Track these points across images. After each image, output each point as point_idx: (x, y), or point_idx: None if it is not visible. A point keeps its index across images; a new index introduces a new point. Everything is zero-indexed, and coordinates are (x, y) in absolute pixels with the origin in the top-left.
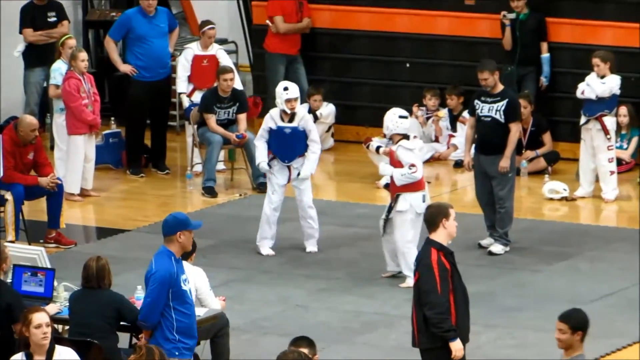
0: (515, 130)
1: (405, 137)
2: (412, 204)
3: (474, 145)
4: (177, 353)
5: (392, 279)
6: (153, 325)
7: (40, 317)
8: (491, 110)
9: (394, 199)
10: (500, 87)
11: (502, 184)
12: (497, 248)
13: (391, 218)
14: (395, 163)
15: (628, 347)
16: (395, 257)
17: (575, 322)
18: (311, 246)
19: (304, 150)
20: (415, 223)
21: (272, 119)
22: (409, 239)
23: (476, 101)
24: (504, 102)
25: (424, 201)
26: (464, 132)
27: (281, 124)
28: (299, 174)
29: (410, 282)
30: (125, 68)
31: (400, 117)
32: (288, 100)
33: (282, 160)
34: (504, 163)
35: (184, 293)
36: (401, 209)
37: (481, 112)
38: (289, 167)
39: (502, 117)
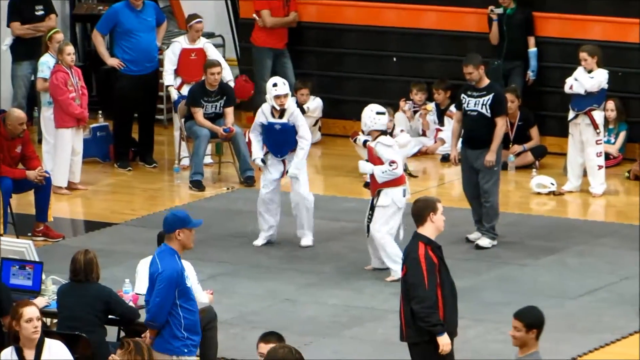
0: (501, 124)
1: (383, 133)
2: (393, 199)
3: (460, 140)
4: (185, 350)
5: (379, 273)
6: (161, 324)
7: (31, 311)
8: (477, 104)
9: (376, 195)
10: (486, 81)
11: (487, 177)
12: (484, 242)
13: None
14: (375, 160)
15: (617, 341)
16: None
17: (530, 320)
18: (306, 240)
19: (294, 145)
20: (394, 216)
21: (263, 114)
22: (387, 230)
23: (462, 95)
24: (490, 96)
25: (404, 195)
26: (451, 126)
27: (272, 119)
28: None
29: (395, 274)
30: (113, 62)
31: (378, 113)
32: (277, 97)
33: (275, 155)
34: (490, 157)
35: (189, 290)
36: (383, 204)
37: (467, 107)
38: (283, 161)
39: (489, 111)
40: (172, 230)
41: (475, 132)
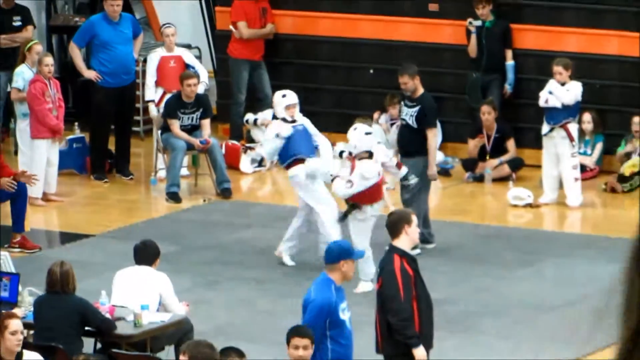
0: (431, 136)
1: (370, 154)
2: (370, 212)
3: None
4: None
5: (355, 285)
6: None
7: (16, 324)
8: (407, 114)
9: (352, 207)
10: (420, 92)
11: (405, 191)
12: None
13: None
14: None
15: (592, 354)
16: None
17: (313, 337)
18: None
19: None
20: (370, 228)
21: (278, 126)
22: (366, 245)
23: (401, 103)
24: (418, 107)
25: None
26: None
27: (290, 128)
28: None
29: (363, 286)
30: (90, 74)
31: (366, 133)
32: (287, 107)
33: (307, 155)
34: (430, 171)
35: (342, 323)
36: (361, 218)
37: (402, 116)
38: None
39: (414, 122)
40: (336, 261)
41: (402, 142)
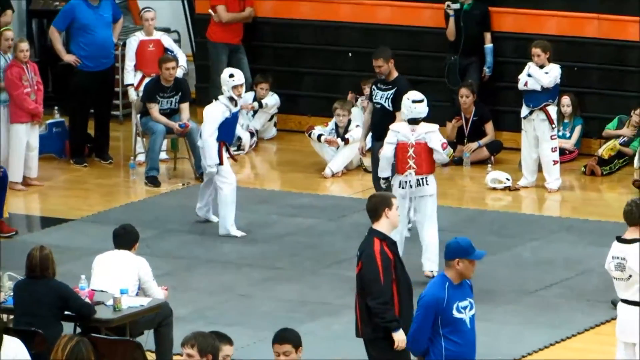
0: (399, 118)
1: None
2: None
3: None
4: None
5: (336, 269)
6: (420, 351)
7: None
8: (382, 97)
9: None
10: (394, 75)
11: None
12: None
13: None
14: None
15: (573, 337)
16: None
17: (297, 340)
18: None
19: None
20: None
21: (227, 108)
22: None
23: (373, 87)
24: (394, 90)
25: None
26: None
27: (233, 109)
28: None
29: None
30: (69, 58)
31: (414, 101)
32: (235, 87)
33: (230, 142)
34: None
35: (457, 321)
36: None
37: (375, 99)
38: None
39: (390, 105)
40: (451, 258)
41: (378, 125)
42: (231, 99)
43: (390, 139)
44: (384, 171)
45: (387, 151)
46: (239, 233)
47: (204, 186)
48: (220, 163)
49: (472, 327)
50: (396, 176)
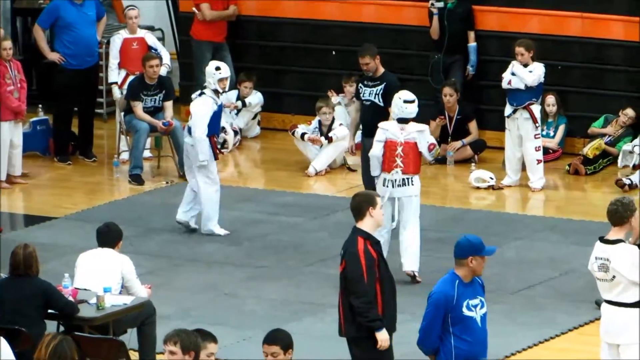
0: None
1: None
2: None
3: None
4: None
5: (319, 267)
6: (430, 350)
7: None
8: (371, 94)
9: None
10: (381, 71)
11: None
12: None
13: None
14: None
15: (556, 337)
16: None
17: (286, 341)
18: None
19: None
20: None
21: (214, 101)
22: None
23: (360, 85)
24: (382, 85)
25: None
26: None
27: (218, 102)
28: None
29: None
30: (53, 56)
31: (405, 101)
32: (221, 80)
33: (217, 134)
34: None
35: (467, 319)
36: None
37: (363, 96)
38: None
39: (381, 100)
40: (464, 256)
41: (369, 122)
42: (216, 91)
43: (379, 137)
44: (376, 170)
45: (376, 150)
46: (222, 232)
47: (191, 192)
48: (216, 158)
49: (483, 326)
50: (382, 174)
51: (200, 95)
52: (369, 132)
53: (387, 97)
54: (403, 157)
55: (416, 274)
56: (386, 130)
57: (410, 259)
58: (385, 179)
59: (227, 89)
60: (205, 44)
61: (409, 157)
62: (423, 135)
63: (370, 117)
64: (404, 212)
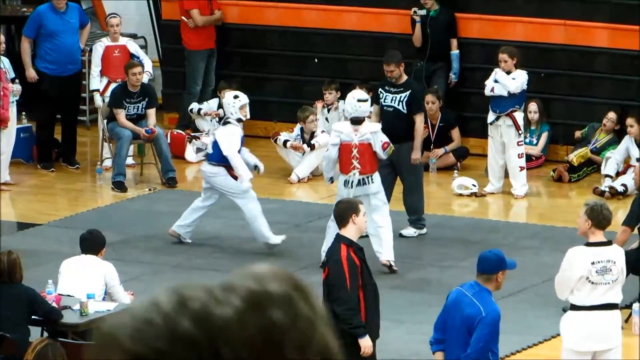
0: (419, 121)
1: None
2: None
3: None
4: None
5: (302, 274)
6: None
7: None
8: (394, 100)
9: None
10: (404, 78)
11: (412, 172)
12: (409, 231)
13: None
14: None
15: (539, 344)
16: None
17: None
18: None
19: None
20: None
21: (240, 129)
22: None
23: (380, 90)
24: (407, 93)
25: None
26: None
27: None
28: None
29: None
30: (30, 74)
31: (359, 100)
32: (242, 107)
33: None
34: (415, 155)
35: (499, 332)
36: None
37: (384, 102)
38: None
39: (405, 107)
40: (495, 272)
41: (391, 129)
42: (239, 120)
43: (334, 140)
44: (329, 172)
45: (331, 152)
46: (279, 238)
47: (195, 209)
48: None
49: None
50: (341, 176)
51: (224, 125)
52: (391, 139)
53: (412, 105)
54: (359, 158)
55: (392, 263)
56: (340, 132)
57: (386, 250)
58: (345, 181)
59: (247, 115)
60: (199, 53)
61: (365, 158)
62: (377, 136)
63: (391, 124)
64: (368, 209)
